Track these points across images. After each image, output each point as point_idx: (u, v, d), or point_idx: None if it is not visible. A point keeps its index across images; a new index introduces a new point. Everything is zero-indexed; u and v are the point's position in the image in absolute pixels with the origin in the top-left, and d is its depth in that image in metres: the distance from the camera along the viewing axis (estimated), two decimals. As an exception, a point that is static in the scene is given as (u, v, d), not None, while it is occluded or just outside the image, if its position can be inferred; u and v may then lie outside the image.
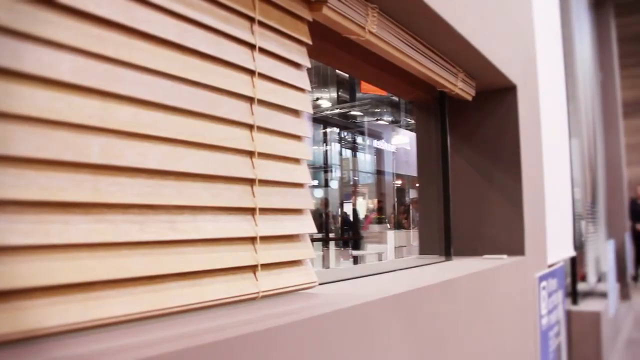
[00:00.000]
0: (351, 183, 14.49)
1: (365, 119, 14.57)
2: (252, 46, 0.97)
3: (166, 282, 0.78)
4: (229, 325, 0.76)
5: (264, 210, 0.97)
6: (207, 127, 0.86)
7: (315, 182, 13.81)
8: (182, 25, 0.83)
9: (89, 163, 0.67)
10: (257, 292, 0.92)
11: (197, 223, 0.84)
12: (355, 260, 9.65)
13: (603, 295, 5.06)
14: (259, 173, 0.96)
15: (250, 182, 0.95)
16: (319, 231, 11.65)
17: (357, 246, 11.26)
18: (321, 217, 12.05)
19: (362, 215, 13.32)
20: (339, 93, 13.67)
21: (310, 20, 1.14)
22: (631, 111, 10.27)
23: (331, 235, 12.10)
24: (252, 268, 0.94)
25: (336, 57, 1.62)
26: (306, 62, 1.11)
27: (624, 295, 7.37)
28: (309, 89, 1.11)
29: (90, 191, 0.67)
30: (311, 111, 1.11)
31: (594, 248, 5.25)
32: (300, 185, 1.08)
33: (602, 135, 7.49)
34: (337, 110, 13.98)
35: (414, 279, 1.41)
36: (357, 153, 14.68)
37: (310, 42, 1.12)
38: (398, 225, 11.78)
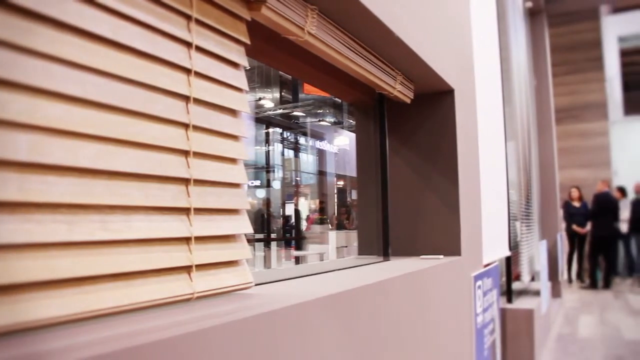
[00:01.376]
0: (293, 183, 14.50)
1: (308, 119, 14.61)
2: (188, 44, 0.96)
3: (98, 283, 0.76)
4: (161, 326, 0.74)
5: (199, 211, 0.96)
6: (141, 126, 0.84)
7: (258, 183, 13.76)
8: (116, 21, 0.81)
9: (16, 161, 0.65)
10: (192, 293, 0.91)
11: (129, 223, 0.82)
12: (297, 260, 9.65)
13: (536, 293, 5.24)
14: (195, 173, 0.94)
15: (185, 181, 0.93)
16: (261, 231, 11.61)
17: (299, 246, 11.28)
18: (263, 218, 12.00)
19: (304, 215, 13.34)
20: (282, 93, 13.65)
21: (249, 19, 1.13)
22: (563, 117, 10.71)
23: (273, 235, 12.07)
24: (187, 269, 0.92)
25: (276, 58, 1.62)
26: (244, 61, 1.10)
27: (556, 293, 7.67)
28: (247, 88, 1.11)
29: (16, 190, 0.65)
30: (248, 111, 1.11)
31: (528, 248, 5.42)
32: (236, 185, 1.07)
33: (536, 140, 7.76)
34: (280, 111, 13.96)
35: (351, 279, 1.42)
36: (300, 153, 14.71)
37: (248, 42, 1.12)
38: (340, 226, 11.86)
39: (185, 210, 0.93)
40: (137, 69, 0.84)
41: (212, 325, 0.77)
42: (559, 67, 10.80)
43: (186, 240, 0.93)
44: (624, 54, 14.17)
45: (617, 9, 14.66)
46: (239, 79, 1.09)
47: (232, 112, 1.07)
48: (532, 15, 8.46)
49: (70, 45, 0.73)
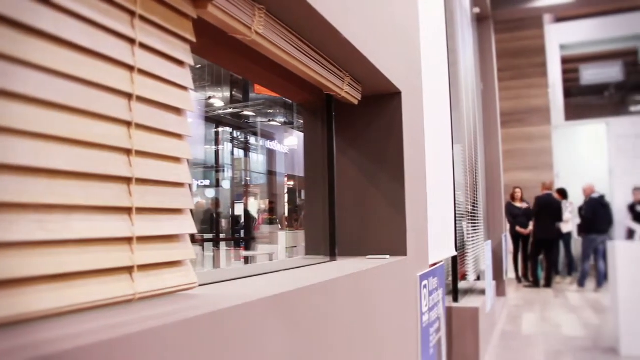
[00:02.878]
0: (243, 183, 14.40)
1: (259, 119, 14.54)
2: (132, 41, 0.94)
3: (36, 284, 0.74)
4: (99, 328, 0.73)
5: (141, 210, 0.95)
6: (81, 123, 0.83)
7: (207, 182, 13.61)
8: (57, 15, 0.79)
9: (-55, 158, 0.63)
10: (133, 294, 0.90)
11: (69, 223, 0.80)
12: (247, 260, 9.60)
13: (481, 292, 5.37)
14: (137, 172, 0.93)
15: (127, 181, 0.92)
16: (210, 232, 11.49)
17: (248, 247, 11.22)
18: (212, 218, 11.88)
19: (254, 215, 13.27)
20: (233, 92, 13.54)
21: (195, 17, 1.12)
22: (508, 120, 11.01)
23: (222, 235, 11.97)
24: (128, 269, 0.91)
25: (223, 57, 1.61)
26: (189, 60, 1.09)
27: (500, 292, 7.87)
28: (192, 87, 1.09)
29: (-55, 188, 0.63)
30: (193, 110, 1.10)
31: (474, 248, 5.54)
32: (180, 184, 1.06)
33: (482, 142, 7.94)
34: (230, 110, 13.84)
35: (296, 280, 1.43)
36: (250, 153, 14.62)
37: (194, 40, 1.10)
38: (290, 226, 11.85)
39: (127, 210, 0.92)
40: (78, 65, 0.82)
41: (152, 326, 0.76)
42: (505, 72, 11.10)
43: (128, 240, 0.91)
44: (565, 61, 14.69)
45: (560, 19, 15.21)
46: (184, 77, 1.08)
47: (177, 110, 1.06)
48: (479, 21, 8.66)
49: (8, 39, 0.71)
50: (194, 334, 0.85)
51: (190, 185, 1.10)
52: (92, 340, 0.66)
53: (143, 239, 0.95)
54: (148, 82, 0.98)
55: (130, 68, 0.93)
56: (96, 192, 0.85)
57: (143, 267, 0.94)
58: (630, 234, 9.09)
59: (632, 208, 10.27)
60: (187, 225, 1.07)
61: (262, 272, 1.63)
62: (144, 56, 0.97)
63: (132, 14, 0.94)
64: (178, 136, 1.06)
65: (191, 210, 1.10)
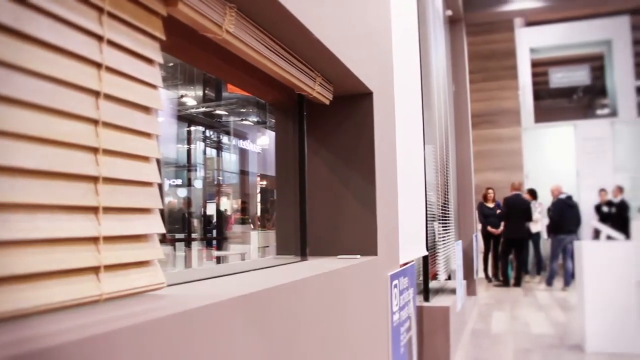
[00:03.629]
0: (215, 183, 14.32)
1: (231, 118, 14.47)
2: (99, 38, 0.93)
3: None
4: (64, 329, 0.72)
5: (108, 210, 0.93)
6: (47, 121, 0.81)
7: (179, 182, 13.49)
8: (19, 9, 0.77)
9: None
10: (100, 295, 0.89)
11: (34, 222, 0.78)
12: (218, 260, 9.55)
13: (452, 291, 5.42)
14: (104, 171, 0.92)
15: (94, 180, 0.91)
16: (182, 231, 11.40)
17: (220, 247, 11.16)
18: (184, 217, 11.79)
19: (226, 215, 13.21)
20: (205, 91, 13.46)
21: (165, 15, 1.11)
22: (479, 122, 11.15)
23: (194, 235, 11.88)
24: (95, 270, 0.90)
25: (194, 55, 1.60)
26: (159, 58, 1.08)
27: (471, 291, 7.96)
28: (161, 85, 1.08)
29: None
30: (162, 108, 1.09)
31: (445, 248, 5.60)
32: (148, 184, 1.05)
33: (453, 143, 8.01)
34: (203, 109, 13.75)
35: (266, 279, 1.42)
36: (222, 153, 14.54)
37: (163, 38, 1.09)
38: (262, 226, 11.82)
39: (94, 210, 0.90)
40: (43, 61, 0.80)
41: (117, 327, 0.75)
42: (476, 74, 11.24)
43: (94, 240, 0.90)
44: (535, 64, 14.94)
45: (530, 23, 15.46)
46: (153, 75, 1.07)
47: (145, 109, 1.05)
48: (451, 23, 8.75)
49: (-32, 34, 0.69)
50: (160, 335, 0.84)
51: (160, 185, 1.09)
52: (57, 342, 0.65)
53: (110, 239, 0.93)
54: (116, 80, 0.96)
55: (98, 65, 0.92)
56: (62, 191, 0.84)
57: (110, 267, 0.93)
58: (597, 234, 9.27)
59: (598, 209, 10.49)
60: (156, 225, 1.06)
61: (233, 272, 1.62)
62: (112, 54, 0.95)
63: (100, 10, 0.93)
64: (147, 135, 1.05)
65: (162, 210, 1.09)
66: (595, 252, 5.09)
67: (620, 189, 10.32)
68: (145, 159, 1.04)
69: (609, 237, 5.54)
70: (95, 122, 0.91)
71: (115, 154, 0.95)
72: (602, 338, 4.93)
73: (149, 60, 1.06)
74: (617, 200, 10.26)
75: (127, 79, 1.00)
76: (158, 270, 1.06)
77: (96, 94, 0.91)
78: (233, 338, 1.07)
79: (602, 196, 10.56)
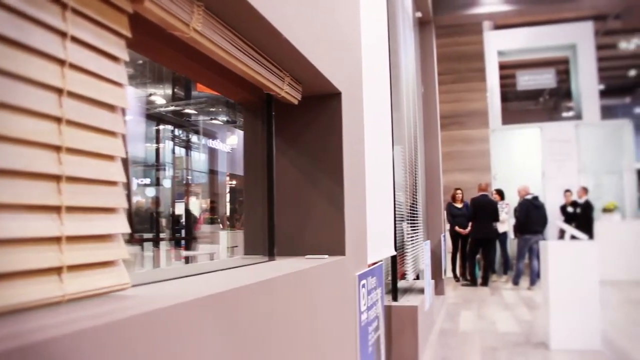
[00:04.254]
0: (184, 182, 14.19)
1: (201, 117, 14.36)
2: (63, 34, 0.91)
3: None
4: (24, 331, 0.70)
5: (71, 209, 0.92)
6: (7, 119, 0.79)
7: (148, 181, 13.34)
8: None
9: None
10: (62, 295, 0.87)
11: (-6, 222, 0.77)
12: (187, 260, 9.47)
13: (420, 291, 5.46)
14: (67, 169, 0.90)
15: (57, 179, 0.89)
16: (150, 231, 11.27)
17: (189, 246, 11.06)
18: (152, 217, 11.66)
19: (195, 215, 13.11)
20: (175, 90, 13.32)
21: (131, 12, 1.10)
22: (447, 123, 11.27)
23: (163, 235, 11.76)
24: (57, 270, 0.88)
25: (162, 53, 1.58)
26: (124, 55, 1.07)
27: (439, 290, 8.04)
28: (127, 83, 1.07)
29: None
30: (128, 106, 1.08)
31: (414, 248, 5.64)
32: (113, 183, 1.03)
33: (422, 144, 8.08)
34: (172, 108, 13.62)
35: (233, 279, 1.42)
36: (192, 152, 14.42)
37: (129, 35, 1.08)
38: (231, 226, 11.76)
39: (56, 209, 0.89)
40: (2, 57, 0.79)
41: (79, 329, 0.74)
42: (445, 75, 11.36)
43: (56, 240, 0.89)
44: (503, 67, 15.17)
45: (498, 26, 15.70)
46: (119, 73, 1.05)
47: (111, 107, 1.03)
48: (421, 25, 8.82)
49: None
50: (123, 336, 0.83)
51: (128, 184, 1.07)
52: (16, 344, 0.64)
53: (73, 239, 0.92)
54: (80, 77, 0.95)
55: (61, 62, 0.90)
56: (23, 190, 0.82)
57: (73, 268, 0.91)
58: (562, 234, 9.43)
59: (563, 209, 10.69)
60: (120, 225, 1.04)
61: (200, 272, 1.61)
62: (75, 50, 0.94)
63: (63, 6, 0.91)
64: (112, 134, 1.03)
65: (129, 210, 1.08)
66: (560, 252, 5.18)
67: (585, 190, 10.53)
68: (110, 157, 1.03)
69: (573, 237, 5.64)
70: (58, 120, 0.89)
71: (79, 152, 0.94)
72: (566, 335, 5.02)
73: (115, 58, 1.05)
74: (581, 201, 10.47)
75: (92, 77, 0.98)
76: (123, 270, 1.05)
77: (59, 91, 0.90)
78: (199, 338, 1.06)
79: (567, 197, 10.76)
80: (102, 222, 1.00)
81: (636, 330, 5.80)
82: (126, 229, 1.05)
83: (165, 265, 9.67)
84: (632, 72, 24.13)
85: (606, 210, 10.48)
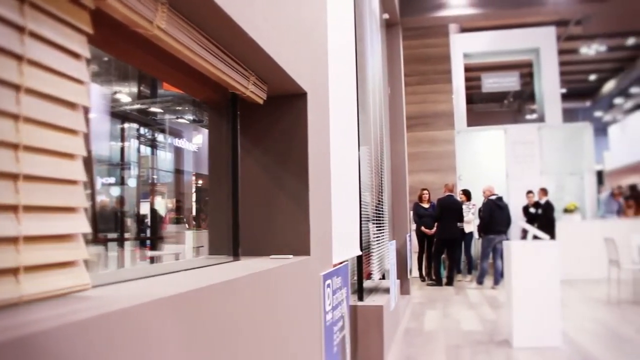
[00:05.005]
0: (150, 182, 14.02)
1: (167, 116, 14.21)
2: (21, 29, 0.89)
3: None
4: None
5: (29, 209, 0.90)
6: (-39, 115, 0.78)
7: (112, 180, 13.14)
8: None
9: None
10: (19, 297, 0.85)
11: (-54, 221, 0.75)
12: (152, 260, 9.36)
13: (386, 291, 5.50)
14: (25, 168, 0.88)
15: (14, 177, 0.87)
16: (115, 231, 11.10)
17: (154, 246, 10.93)
18: (117, 217, 11.48)
19: (160, 214, 12.96)
20: (140, 88, 13.15)
21: (92, 8, 1.08)
22: (413, 124, 11.37)
23: (127, 235, 11.59)
24: (14, 271, 0.86)
25: (126, 51, 1.56)
26: (85, 52, 1.05)
27: (405, 290, 8.10)
28: (88, 80, 1.05)
29: None
30: (89, 104, 1.06)
31: (379, 248, 5.67)
32: (73, 182, 1.01)
33: (388, 145, 8.13)
34: (137, 106, 13.43)
35: (197, 280, 1.41)
36: (157, 151, 14.25)
37: (91, 31, 1.06)
38: (197, 225, 11.66)
39: (13, 208, 0.87)
40: (-43, 53, 0.77)
41: (35, 330, 0.73)
42: (412, 77, 11.46)
43: (13, 240, 0.87)
44: (468, 69, 15.40)
45: (464, 29, 15.94)
46: (80, 70, 1.04)
47: (71, 105, 1.01)
48: (388, 26, 8.87)
49: None
50: (81, 338, 0.82)
51: (92, 183, 1.05)
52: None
53: (31, 239, 0.90)
54: (39, 73, 0.93)
55: (19, 58, 0.88)
56: (-22, 189, 0.80)
57: (30, 269, 0.89)
58: (525, 234, 9.60)
59: (525, 210, 10.88)
60: (81, 225, 1.03)
61: (163, 272, 1.59)
62: (34, 46, 0.92)
63: (21, 0, 0.89)
64: (72, 132, 1.02)
65: (93, 209, 1.06)
66: (523, 252, 5.28)
67: (544, 191, 10.72)
68: (70, 156, 1.01)
69: (535, 238, 5.75)
70: (15, 117, 0.87)
71: (37, 150, 0.92)
72: (528, 334, 5.12)
73: (75, 55, 1.03)
74: (542, 201, 10.66)
75: (51, 73, 0.96)
76: (83, 270, 1.03)
77: (16, 87, 0.88)
78: (161, 340, 1.05)
79: (530, 198, 10.95)
80: (62, 221, 0.98)
81: (595, 327, 5.94)
82: (87, 228, 1.03)
83: (130, 265, 9.54)
84: (593, 77, 24.77)
85: (567, 210, 10.70)
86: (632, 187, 12.94)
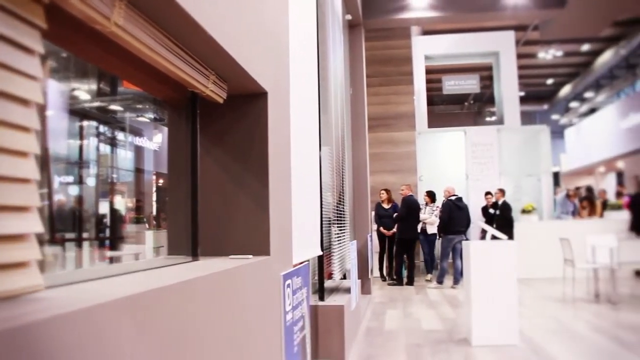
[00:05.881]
0: (109, 181, 13.78)
1: (127, 114, 13.99)
2: (-30, 23, 0.87)
3: None
4: None
5: (-22, 207, 0.88)
6: None
7: (70, 179, 12.87)
8: None
9: None
10: (-33, 298, 0.83)
11: None
12: (111, 260, 9.20)
13: (347, 290, 5.53)
14: (-26, 165, 0.86)
15: (-38, 175, 0.85)
16: (72, 231, 10.87)
17: (114, 246, 10.75)
18: (75, 216, 11.26)
19: (120, 214, 12.75)
20: (100, 85, 12.91)
21: (47, 2, 1.06)
22: (375, 125, 11.45)
23: (86, 235, 11.37)
24: (-38, 271, 0.84)
25: (83, 47, 1.53)
26: (39, 47, 1.03)
27: (366, 290, 8.16)
28: (42, 76, 1.03)
29: None
30: (41, 101, 1.04)
31: (340, 248, 5.70)
32: (26, 180, 0.99)
33: (350, 145, 8.17)
34: (97, 104, 13.19)
35: (154, 280, 1.39)
36: (117, 150, 14.02)
37: (44, 26, 1.04)
38: (157, 225, 11.51)
39: (-38, 207, 0.85)
40: None
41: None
42: (374, 78, 11.54)
43: (-39, 239, 0.84)
44: (429, 71, 15.60)
45: (426, 32, 16.15)
46: (33, 65, 1.01)
47: (24, 101, 0.99)
48: (351, 27, 8.92)
49: None
50: (31, 340, 0.80)
51: (49, 182, 1.03)
52: None
53: (-20, 238, 0.88)
54: (-11, 68, 0.91)
55: (-33, 52, 0.86)
56: None
57: (-21, 269, 0.87)
58: (484, 234, 9.75)
59: (484, 210, 11.06)
60: (33, 224, 1.01)
61: (121, 273, 1.57)
62: (-16, 40, 0.90)
63: (-30, -7, 0.87)
64: (24, 129, 0.99)
65: (50, 208, 1.04)
66: (482, 252, 5.37)
67: (502, 192, 10.90)
68: (22, 154, 0.99)
69: (494, 238, 5.86)
70: (-36, 113, 0.85)
71: (-13, 148, 0.90)
72: (486, 332, 5.21)
73: (28, 50, 1.01)
74: (500, 202, 10.84)
75: (2, 69, 0.94)
76: (35, 271, 1.01)
77: (-34, 83, 0.86)
78: (116, 342, 1.04)
79: (488, 199, 11.13)
80: (14, 221, 0.96)
81: (551, 325, 6.09)
82: (40, 228, 1.01)
83: (88, 266, 9.36)
84: (550, 81, 25.40)
85: (524, 211, 10.91)
86: (588, 189, 13.27)
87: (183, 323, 1.36)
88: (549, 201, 12.52)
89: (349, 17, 8.44)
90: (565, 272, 8.03)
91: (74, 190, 12.60)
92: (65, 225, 10.90)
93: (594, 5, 9.94)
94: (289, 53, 2.96)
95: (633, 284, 9.41)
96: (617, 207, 10.81)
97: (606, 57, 21.17)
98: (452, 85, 15.30)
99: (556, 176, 20.90)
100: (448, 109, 27.09)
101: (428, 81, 15.36)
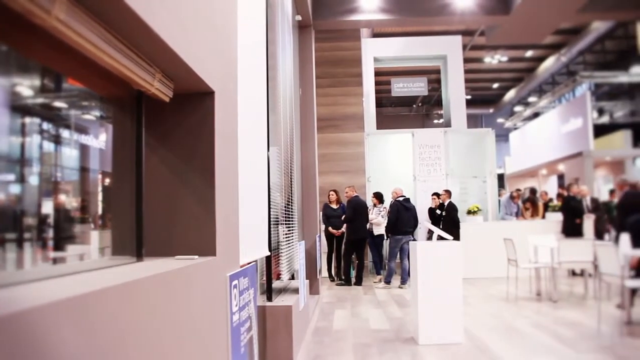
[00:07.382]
0: (53, 179, 13.38)
1: (72, 112, 13.61)
2: None
3: None
4: None
5: None
6: None
7: (11, 177, 12.43)
8: None
9: None
10: None
11: None
12: (55, 261, 8.93)
13: (295, 291, 5.54)
14: None
15: None
16: (13, 231, 10.50)
17: (58, 247, 10.44)
18: (16, 216, 10.88)
19: (64, 214, 12.39)
20: (44, 81, 12.51)
21: (-17, -4, 1.03)
22: (324, 126, 11.50)
23: (27, 235, 10.99)
24: None
25: (21, 42, 1.49)
26: (-26, 42, 1.00)
27: (314, 290, 8.19)
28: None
29: None
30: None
31: (288, 248, 5.70)
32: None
33: (299, 146, 8.18)
34: (40, 100, 12.78)
35: (97, 281, 1.37)
36: (62, 148, 13.62)
37: (-20, 21, 1.01)
38: (103, 225, 11.24)
39: None
40: None
41: None
42: (323, 79, 11.59)
43: None
44: (378, 73, 15.78)
45: (376, 34, 16.34)
46: (-32, 61, 0.98)
47: (-43, 96, 0.96)
48: (301, 28, 8.93)
49: None
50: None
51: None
52: None
53: None
54: None
55: None
56: None
57: None
58: (431, 235, 9.89)
59: (431, 211, 11.24)
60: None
61: (63, 274, 1.53)
62: None
63: None
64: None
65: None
66: (428, 252, 5.46)
67: (448, 193, 11.09)
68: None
69: (440, 238, 5.97)
70: None
71: None
72: (433, 331, 5.31)
73: (-37, 44, 0.98)
74: (446, 203, 11.03)
75: None
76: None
77: None
78: (56, 344, 1.02)
79: (435, 200, 11.32)
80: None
81: (495, 323, 6.25)
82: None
83: (30, 267, 9.06)
84: (495, 85, 26.08)
85: (470, 212, 11.15)
86: (532, 191, 13.64)
87: (126, 325, 1.34)
88: (494, 202, 12.83)
89: (299, 17, 8.45)
90: (509, 271, 8.26)
91: (14, 189, 12.17)
92: (4, 225, 10.52)
93: (538, 13, 10.25)
94: (238, 52, 2.95)
95: (572, 281, 9.75)
96: (559, 209, 11.17)
97: (548, 64, 21.88)
98: (400, 87, 15.49)
99: (501, 178, 21.45)
100: (396, 111, 27.45)
101: (377, 83, 15.53)
